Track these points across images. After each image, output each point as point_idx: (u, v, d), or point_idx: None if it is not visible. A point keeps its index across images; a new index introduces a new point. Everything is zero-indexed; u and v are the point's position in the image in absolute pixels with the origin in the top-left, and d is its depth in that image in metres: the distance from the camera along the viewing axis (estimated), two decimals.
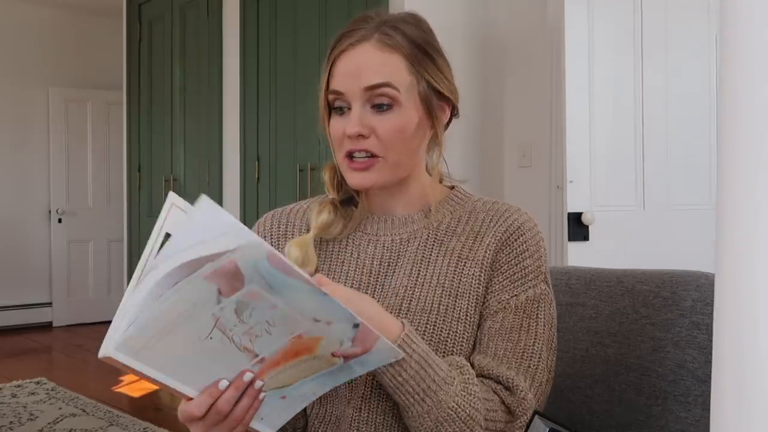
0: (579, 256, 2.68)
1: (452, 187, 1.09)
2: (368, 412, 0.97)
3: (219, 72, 3.95)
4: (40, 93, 6.24)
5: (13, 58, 6.09)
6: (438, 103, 1.01)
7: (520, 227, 1.00)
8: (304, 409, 1.05)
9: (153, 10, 4.49)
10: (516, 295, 0.98)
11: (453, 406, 0.88)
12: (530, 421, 1.13)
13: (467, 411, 0.89)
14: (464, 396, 0.89)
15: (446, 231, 1.03)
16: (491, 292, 0.99)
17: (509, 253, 0.99)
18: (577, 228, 2.71)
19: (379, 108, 0.95)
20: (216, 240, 0.69)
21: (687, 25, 2.88)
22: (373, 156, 0.96)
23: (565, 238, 2.72)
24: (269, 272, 0.70)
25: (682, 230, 2.79)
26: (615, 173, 2.79)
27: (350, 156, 0.97)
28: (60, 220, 6.33)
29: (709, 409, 0.58)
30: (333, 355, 0.80)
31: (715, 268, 0.56)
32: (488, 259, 0.99)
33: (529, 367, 0.96)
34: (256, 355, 0.77)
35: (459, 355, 0.97)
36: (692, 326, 1.04)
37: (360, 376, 0.96)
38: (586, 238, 2.71)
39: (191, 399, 0.79)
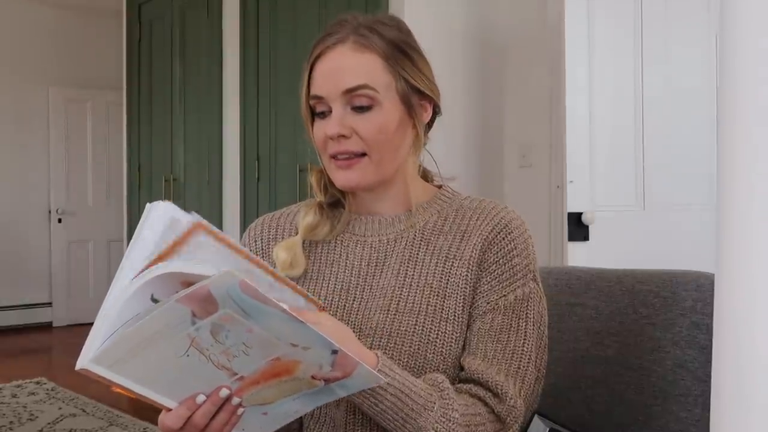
0: (579, 256, 2.68)
1: (440, 187, 1.09)
2: (362, 415, 0.97)
3: (219, 72, 3.94)
4: (40, 93, 6.24)
5: (14, 57, 6.09)
6: (419, 101, 1.01)
7: (507, 225, 1.00)
8: None
9: (153, 10, 4.49)
10: (505, 295, 0.98)
11: None
12: (529, 421, 1.13)
13: None
14: (444, 422, 0.89)
15: (433, 230, 1.03)
16: (480, 292, 0.99)
17: (497, 253, 0.99)
18: (577, 228, 2.71)
19: (359, 109, 0.97)
20: (192, 254, 0.70)
21: (687, 25, 2.88)
22: (361, 154, 0.98)
23: (565, 238, 2.72)
24: (242, 299, 0.69)
25: (682, 230, 2.79)
26: (615, 173, 2.79)
27: (335, 157, 0.99)
28: (60, 220, 6.33)
29: (709, 409, 0.58)
30: (313, 377, 0.80)
31: (715, 268, 0.56)
32: (475, 258, 0.99)
33: (519, 368, 0.96)
34: (235, 374, 0.77)
35: (449, 356, 0.97)
36: (692, 326, 1.04)
37: None
38: (586, 238, 2.71)
39: (170, 410, 0.80)
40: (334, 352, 0.77)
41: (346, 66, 0.96)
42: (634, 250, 2.71)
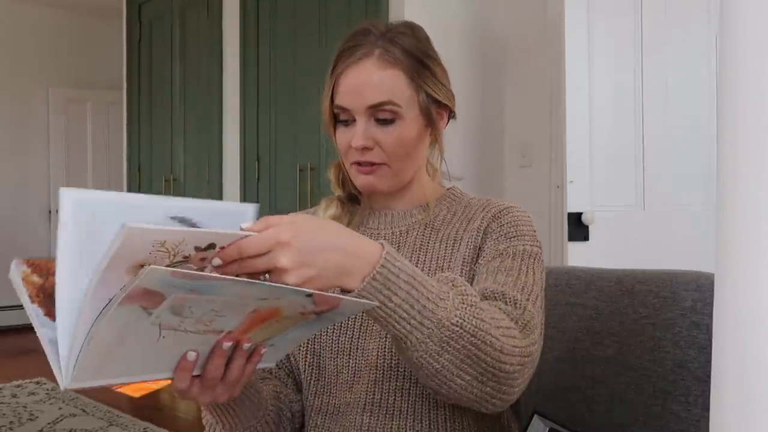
0: (579, 256, 2.68)
1: (449, 189, 1.15)
2: (381, 394, 0.98)
3: (219, 72, 3.94)
4: (40, 93, 6.24)
5: (13, 58, 6.09)
6: (437, 111, 1.06)
7: (509, 207, 1.05)
8: (299, 393, 1.06)
9: (153, 10, 4.49)
10: (514, 245, 0.99)
11: (456, 321, 0.78)
12: (530, 420, 1.13)
13: (473, 323, 0.79)
14: (465, 308, 0.80)
15: (442, 221, 1.08)
16: (488, 247, 1.00)
17: (501, 221, 1.02)
18: (577, 228, 2.71)
19: (382, 122, 1.01)
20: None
21: (687, 25, 2.88)
22: (381, 163, 1.02)
23: (565, 238, 2.72)
24: (183, 283, 0.65)
25: (682, 230, 2.79)
26: (615, 173, 2.79)
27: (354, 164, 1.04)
28: None
29: (709, 409, 0.58)
30: (302, 314, 0.76)
31: (715, 268, 0.56)
32: (478, 227, 1.03)
33: (529, 298, 0.92)
34: (221, 332, 0.74)
35: None
36: (692, 326, 1.04)
37: (366, 359, 0.98)
38: (586, 238, 2.71)
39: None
40: (309, 295, 0.72)
41: (371, 82, 1.00)
42: (634, 250, 2.71)
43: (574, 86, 2.70)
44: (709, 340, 0.97)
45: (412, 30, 1.05)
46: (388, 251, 0.78)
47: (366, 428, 0.98)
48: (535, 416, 1.13)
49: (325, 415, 1.01)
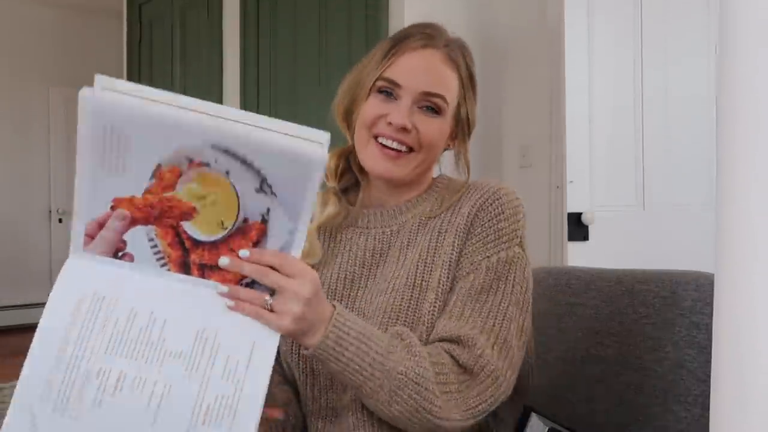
0: (579, 256, 2.68)
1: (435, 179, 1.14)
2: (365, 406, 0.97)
3: (219, 72, 3.94)
4: (40, 93, 6.24)
5: (14, 57, 6.09)
6: (462, 128, 1.10)
7: (496, 192, 1.03)
8: (298, 402, 1.05)
9: (153, 10, 4.49)
10: (488, 256, 0.99)
11: (402, 371, 0.87)
12: (528, 419, 1.13)
13: (416, 370, 0.88)
14: (410, 358, 0.88)
15: (430, 214, 1.07)
16: (465, 254, 1.00)
17: (484, 216, 1.01)
18: (577, 228, 2.71)
19: (427, 110, 1.03)
20: None
21: (687, 25, 2.88)
22: (408, 149, 1.02)
23: (565, 238, 2.72)
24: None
25: (682, 230, 2.79)
26: (615, 173, 2.79)
27: (378, 140, 1.02)
28: (60, 220, 6.33)
29: (709, 409, 0.58)
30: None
31: (715, 268, 0.56)
32: (463, 225, 1.02)
33: (493, 326, 0.96)
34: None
35: (429, 324, 0.97)
36: (692, 326, 1.04)
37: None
38: (586, 238, 2.71)
39: None
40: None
41: (433, 71, 1.03)
42: (634, 250, 2.71)
43: (574, 86, 2.70)
44: (709, 340, 0.97)
45: (468, 49, 1.11)
46: (338, 312, 0.85)
47: (370, 428, 0.98)
48: (535, 416, 1.13)
49: (325, 419, 1.01)
